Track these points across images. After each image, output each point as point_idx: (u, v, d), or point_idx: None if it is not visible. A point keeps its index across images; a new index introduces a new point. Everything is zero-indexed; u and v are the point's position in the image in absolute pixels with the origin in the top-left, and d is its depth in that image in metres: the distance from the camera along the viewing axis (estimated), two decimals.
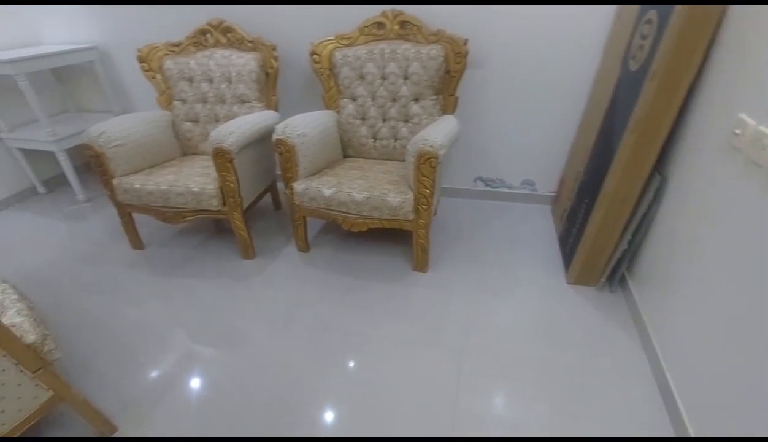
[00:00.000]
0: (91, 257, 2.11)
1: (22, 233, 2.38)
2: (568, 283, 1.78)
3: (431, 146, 1.55)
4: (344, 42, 2.02)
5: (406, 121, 2.00)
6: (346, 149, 2.12)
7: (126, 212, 2.02)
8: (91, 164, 1.90)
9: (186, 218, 1.90)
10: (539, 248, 2.03)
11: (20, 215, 2.57)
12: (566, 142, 2.18)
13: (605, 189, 1.52)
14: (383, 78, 1.97)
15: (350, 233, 1.80)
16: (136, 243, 2.13)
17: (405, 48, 1.91)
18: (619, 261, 1.63)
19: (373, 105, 2.02)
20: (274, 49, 2.04)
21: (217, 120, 2.17)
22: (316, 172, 1.92)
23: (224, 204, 1.83)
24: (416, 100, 1.96)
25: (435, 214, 2.26)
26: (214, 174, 1.82)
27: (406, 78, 1.94)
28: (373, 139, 2.06)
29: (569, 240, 1.86)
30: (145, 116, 2.09)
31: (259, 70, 2.06)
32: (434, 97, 1.94)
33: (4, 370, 0.95)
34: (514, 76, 2.07)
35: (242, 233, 1.92)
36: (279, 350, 1.52)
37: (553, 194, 2.37)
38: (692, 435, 1.12)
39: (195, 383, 1.42)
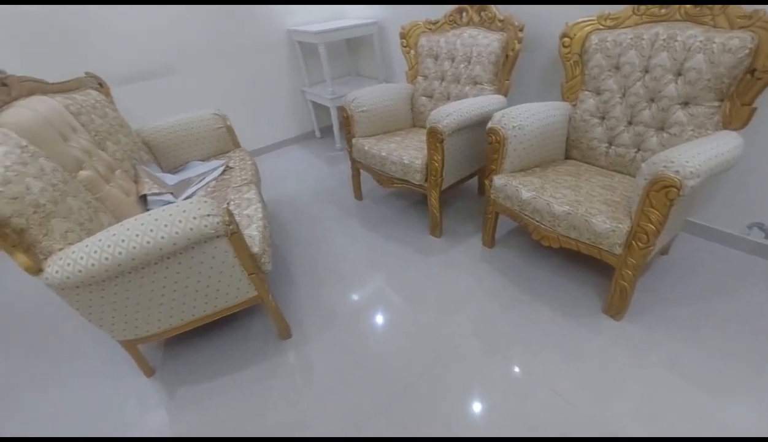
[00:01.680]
0: (327, 196, 2.63)
1: (296, 165, 3.17)
2: None
3: (676, 172, 1.16)
4: (607, 23, 1.69)
5: (661, 129, 1.56)
6: (571, 150, 1.84)
7: (356, 168, 2.39)
8: (343, 123, 2.31)
9: (394, 184, 2.10)
10: None
11: (300, 151, 3.42)
12: None
13: None
14: (645, 71, 1.57)
15: (540, 244, 1.59)
16: (358, 194, 2.52)
17: (690, 34, 1.44)
18: None
19: (621, 103, 1.65)
20: (520, 29, 1.90)
21: (448, 98, 2.24)
22: (525, 169, 1.75)
23: (426, 180, 1.92)
24: (685, 104, 1.49)
25: (666, 253, 1.75)
26: (426, 151, 1.92)
27: (678, 74, 1.49)
28: (607, 145, 1.71)
29: None
30: (391, 88, 2.35)
31: (500, 51, 1.97)
32: (715, 103, 1.42)
33: (233, 266, 1.33)
34: None
35: (435, 211, 1.98)
36: (434, 331, 1.56)
37: None
38: None
39: (359, 325, 1.62)
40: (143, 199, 1.76)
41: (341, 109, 2.26)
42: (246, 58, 3.04)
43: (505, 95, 2.00)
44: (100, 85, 2.05)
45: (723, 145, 1.27)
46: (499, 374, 1.37)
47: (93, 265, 1.10)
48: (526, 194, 1.57)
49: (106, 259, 1.10)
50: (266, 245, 1.50)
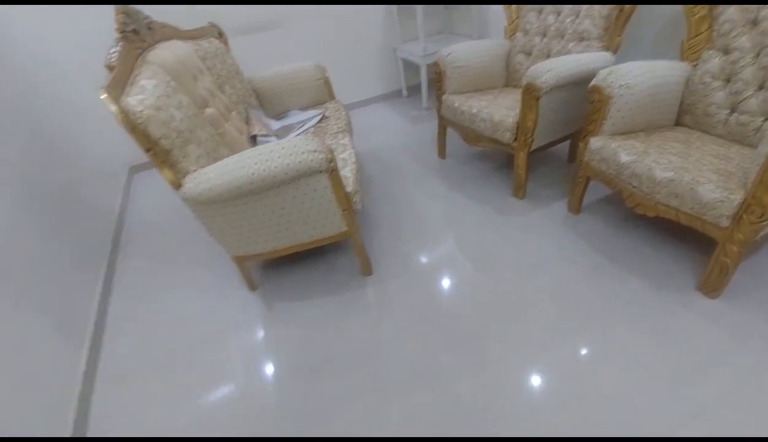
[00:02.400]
0: (411, 153, 2.70)
1: (382, 122, 3.26)
2: None
3: None
4: None
5: None
6: (683, 116, 1.69)
7: (443, 125, 2.41)
8: (434, 80, 2.32)
9: (480, 143, 2.10)
10: None
11: (385, 109, 3.50)
12: None
13: None
14: None
15: (632, 212, 1.50)
16: (442, 153, 2.55)
17: None
18: None
19: (753, 64, 1.46)
20: None
21: (548, 56, 2.14)
22: (627, 132, 1.65)
23: (515, 139, 1.89)
24: None
25: None
26: (518, 109, 1.88)
27: None
28: (728, 111, 1.54)
29: None
30: (487, 45, 2.30)
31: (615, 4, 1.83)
32: None
33: (330, 201, 1.47)
34: None
35: (520, 171, 1.96)
36: (511, 290, 1.60)
37: None
38: None
39: (435, 275, 1.71)
40: (253, 139, 1.97)
41: (434, 65, 2.27)
42: (345, 15, 3.13)
43: (614, 53, 1.86)
44: (220, 35, 2.28)
45: None
46: (573, 339, 1.37)
47: (220, 185, 1.30)
48: (625, 158, 1.50)
49: (231, 181, 1.29)
50: (358, 185, 1.62)
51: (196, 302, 1.78)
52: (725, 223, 1.25)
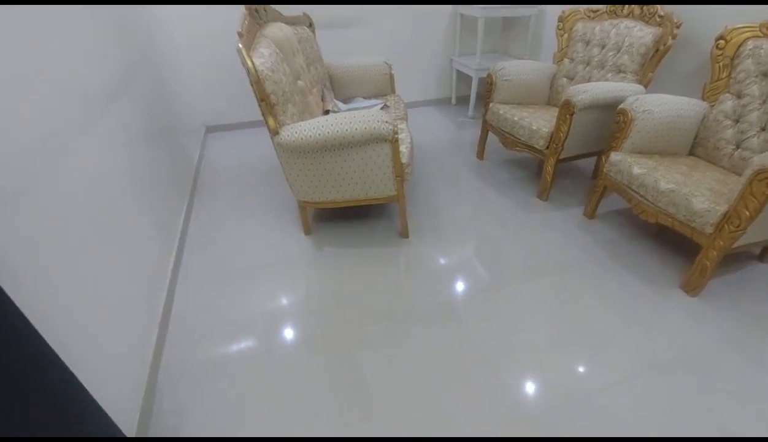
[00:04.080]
0: (452, 152, 3.03)
1: (429, 122, 3.62)
2: None
3: None
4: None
5: None
6: (696, 147, 1.96)
7: (485, 129, 2.74)
8: (483, 91, 2.66)
9: (516, 148, 2.42)
10: None
11: (434, 113, 3.85)
12: None
13: None
14: None
15: (639, 222, 1.76)
16: (480, 154, 2.88)
17: None
18: None
19: (759, 110, 1.73)
20: (677, 26, 2.03)
21: (588, 82, 2.43)
22: (644, 152, 1.93)
23: (547, 147, 2.20)
24: None
25: (764, 261, 1.82)
26: (554, 122, 2.18)
27: None
28: (734, 147, 1.81)
29: None
30: (535, 65, 2.62)
31: (651, 45, 2.12)
32: None
33: (388, 167, 1.82)
34: None
35: (548, 176, 2.26)
36: (524, 267, 1.90)
37: None
38: None
39: (457, 250, 2.03)
40: (326, 113, 2.36)
41: (487, 77, 2.60)
42: (414, 21, 3.51)
43: (645, 87, 2.15)
44: (310, 24, 2.69)
45: None
46: (567, 304, 1.67)
47: (311, 136, 1.67)
48: (637, 171, 1.79)
49: (319, 134, 1.66)
50: (410, 160, 1.97)
51: (259, 235, 2.16)
52: (709, 230, 1.53)
